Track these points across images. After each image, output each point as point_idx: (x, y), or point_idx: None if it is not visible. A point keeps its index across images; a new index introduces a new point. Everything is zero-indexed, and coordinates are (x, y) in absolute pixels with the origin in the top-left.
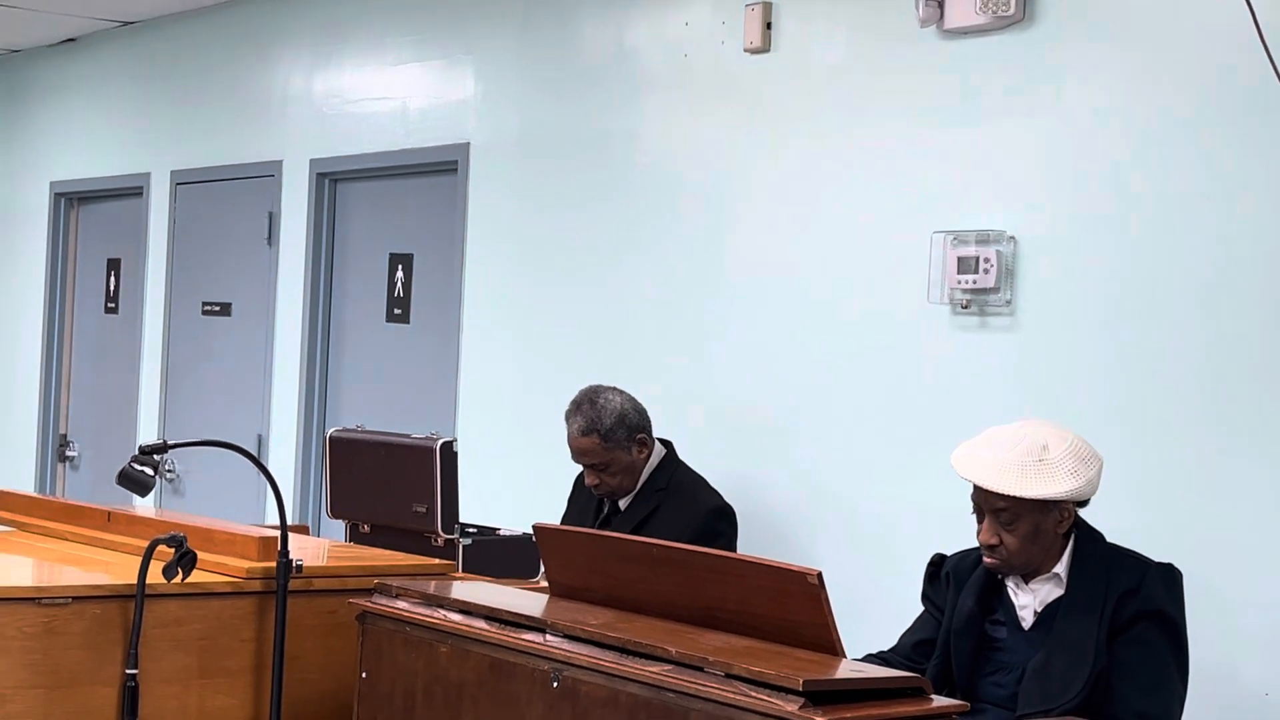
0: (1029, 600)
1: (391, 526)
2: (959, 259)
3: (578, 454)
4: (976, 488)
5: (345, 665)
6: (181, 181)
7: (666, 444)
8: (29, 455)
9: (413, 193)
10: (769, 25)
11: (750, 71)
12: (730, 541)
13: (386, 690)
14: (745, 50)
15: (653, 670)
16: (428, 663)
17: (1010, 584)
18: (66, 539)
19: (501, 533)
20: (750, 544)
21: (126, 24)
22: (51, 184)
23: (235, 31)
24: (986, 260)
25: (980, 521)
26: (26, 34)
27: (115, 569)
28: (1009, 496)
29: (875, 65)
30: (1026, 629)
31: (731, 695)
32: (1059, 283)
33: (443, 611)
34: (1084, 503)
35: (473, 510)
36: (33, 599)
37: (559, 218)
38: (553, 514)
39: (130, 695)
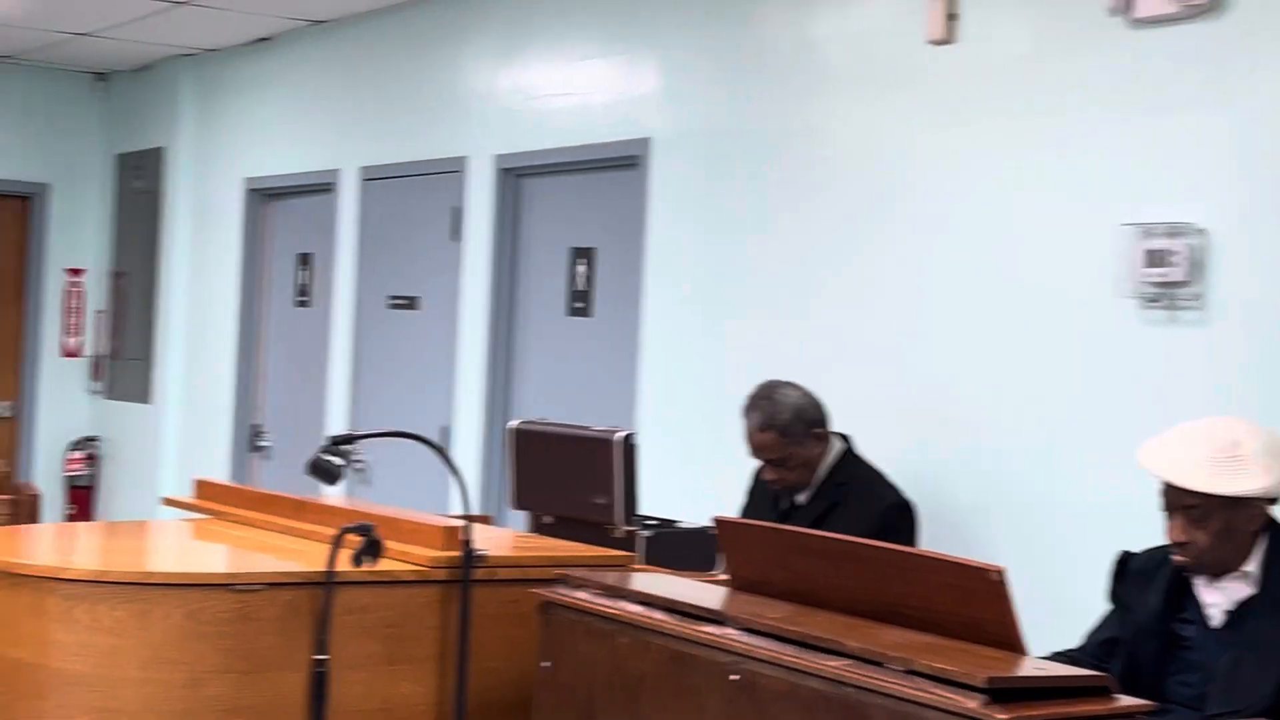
0: (1218, 599)
1: (572, 518)
2: (1147, 252)
3: (755, 449)
4: (1166, 485)
5: (527, 654)
6: (370, 177)
7: (845, 438)
8: (225, 445)
9: (595, 187)
10: (952, 16)
11: (933, 63)
12: (910, 537)
13: (567, 680)
14: (928, 42)
15: (833, 665)
16: (608, 653)
17: (1198, 582)
18: (260, 527)
19: (680, 525)
20: (932, 540)
21: (318, 23)
22: (245, 180)
23: (423, 29)
24: (1176, 253)
25: (1170, 519)
26: (222, 34)
27: (306, 556)
28: (1200, 494)
29: (1062, 55)
30: (1215, 628)
31: (912, 691)
32: (1250, 276)
33: (623, 603)
34: (1275, 500)
35: (652, 502)
36: (227, 585)
37: (740, 212)
38: (731, 507)
39: (320, 681)
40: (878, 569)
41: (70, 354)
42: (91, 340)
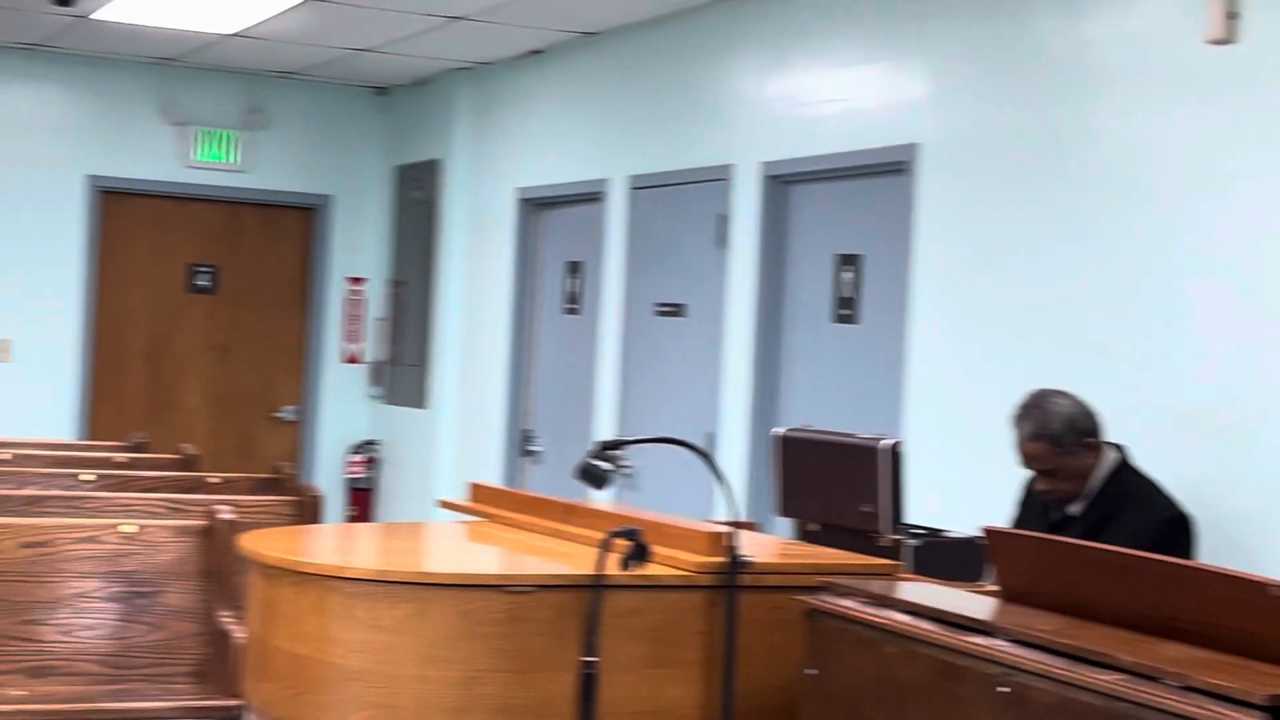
0: None
1: (838, 526)
2: None
3: (1026, 459)
4: None
5: (793, 661)
6: (638, 186)
7: (1120, 449)
8: (497, 449)
9: (861, 194)
10: (1232, 15)
11: (1212, 64)
12: (1187, 551)
13: (833, 688)
14: (1207, 42)
15: (1105, 679)
16: (874, 662)
17: None
18: (530, 530)
19: (948, 535)
20: (1212, 554)
21: (589, 35)
22: (517, 190)
23: (691, 39)
24: None
25: None
26: (496, 47)
27: (574, 560)
28: None
29: None
30: None
31: (1189, 708)
32: None
33: (890, 612)
34: None
35: (919, 511)
36: (499, 586)
37: (1012, 218)
38: (1000, 517)
39: (589, 682)
40: (1153, 582)
41: (351, 360)
42: (371, 347)
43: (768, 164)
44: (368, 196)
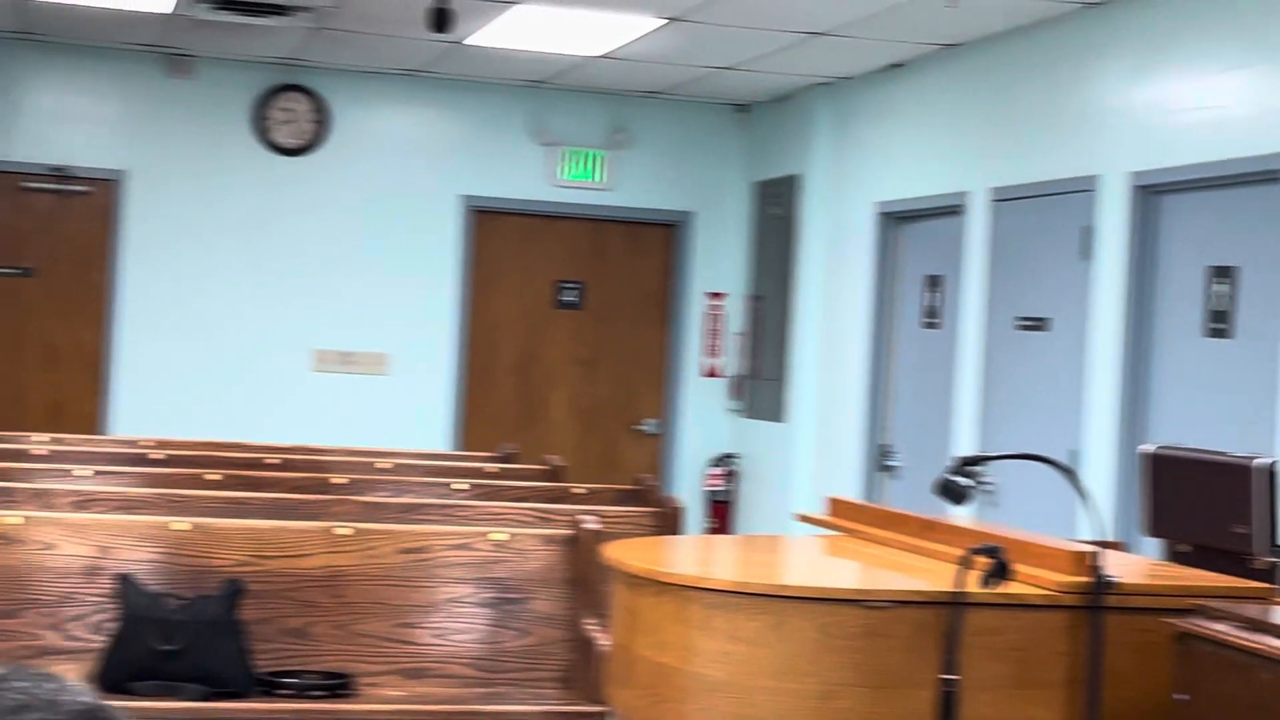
0: None
1: (1209, 547)
2: None
3: None
4: None
5: (1160, 685)
6: (999, 199)
7: None
8: (854, 464)
9: (1236, 203)
10: None
11: None
12: None
13: (1205, 714)
14: None
15: None
16: (1249, 689)
17: None
18: (888, 545)
19: None
20: None
21: (949, 46)
22: (876, 204)
23: (1054, 47)
24: None
25: None
26: (857, 62)
27: (933, 576)
28: None
29: None
30: None
31: None
32: None
33: (1265, 637)
34: None
35: None
36: (857, 601)
37: None
38: None
39: (949, 700)
40: None
41: (711, 374)
42: (731, 361)
43: (1136, 174)
44: (728, 212)
